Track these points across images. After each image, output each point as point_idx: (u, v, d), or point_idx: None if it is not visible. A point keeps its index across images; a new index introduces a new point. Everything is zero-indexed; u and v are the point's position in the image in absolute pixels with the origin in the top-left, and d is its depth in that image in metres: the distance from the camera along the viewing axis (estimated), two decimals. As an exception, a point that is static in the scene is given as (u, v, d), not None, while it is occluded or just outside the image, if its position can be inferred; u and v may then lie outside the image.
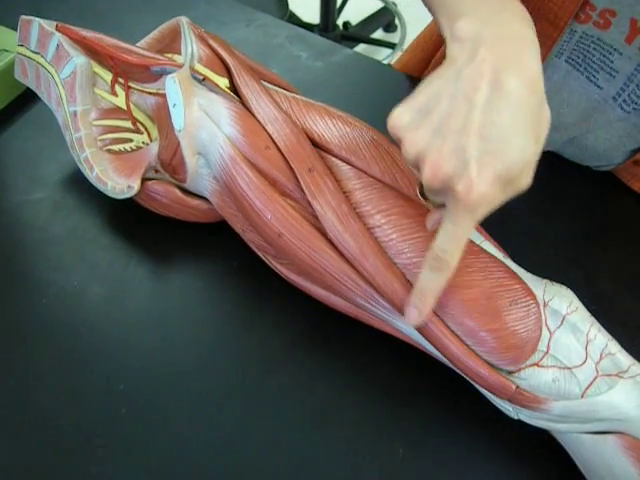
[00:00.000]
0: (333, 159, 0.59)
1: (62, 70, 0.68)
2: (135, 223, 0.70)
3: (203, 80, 0.64)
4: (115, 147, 0.68)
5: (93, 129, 0.68)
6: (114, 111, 0.69)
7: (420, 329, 0.55)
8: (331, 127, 0.60)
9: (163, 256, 0.68)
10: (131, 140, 0.68)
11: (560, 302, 0.53)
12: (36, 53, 0.70)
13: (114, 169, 0.67)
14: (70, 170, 0.75)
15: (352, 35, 2.35)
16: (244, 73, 0.64)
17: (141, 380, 0.61)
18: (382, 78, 0.64)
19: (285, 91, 0.65)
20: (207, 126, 0.62)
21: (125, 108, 0.68)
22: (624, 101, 0.67)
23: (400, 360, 0.62)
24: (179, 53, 0.67)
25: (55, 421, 0.58)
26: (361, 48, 2.41)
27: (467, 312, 0.53)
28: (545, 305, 0.53)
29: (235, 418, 0.59)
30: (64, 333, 0.63)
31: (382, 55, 2.35)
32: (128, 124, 0.68)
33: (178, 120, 0.63)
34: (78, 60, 0.67)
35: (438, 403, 0.60)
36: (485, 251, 0.55)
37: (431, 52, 0.85)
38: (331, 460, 0.57)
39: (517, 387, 0.52)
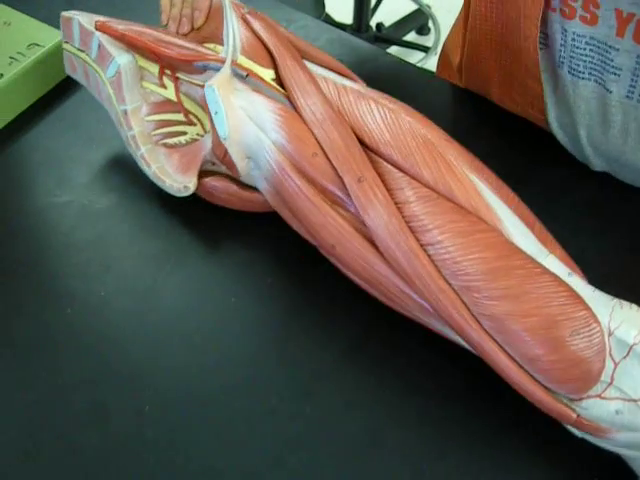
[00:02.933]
0: (385, 164, 0.54)
1: (107, 70, 0.65)
2: (166, 232, 0.67)
3: (247, 76, 0.60)
4: (170, 141, 0.66)
5: (146, 125, 0.66)
6: (165, 104, 0.67)
7: (477, 351, 0.52)
8: (380, 124, 0.56)
9: (195, 269, 0.64)
10: (185, 133, 0.65)
11: (627, 330, 0.49)
12: (81, 51, 0.68)
13: (171, 164, 0.66)
14: (99, 172, 0.71)
15: (385, 37, 2.31)
16: (289, 61, 0.60)
17: (168, 401, 0.57)
18: (424, 86, 0.60)
19: (334, 75, 0.61)
20: (252, 132, 0.58)
21: (176, 100, 0.65)
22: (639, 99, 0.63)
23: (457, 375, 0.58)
24: (222, 43, 0.63)
25: (75, 442, 0.54)
26: (393, 50, 2.37)
27: (525, 342, 0.50)
28: (610, 334, 0.49)
29: (265, 443, 0.55)
30: (88, 346, 0.60)
31: (414, 58, 2.30)
32: (180, 117, 0.66)
33: (221, 128, 0.59)
34: (121, 60, 0.64)
35: (492, 425, 0.56)
36: (547, 272, 0.50)
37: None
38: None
39: (578, 416, 0.49)
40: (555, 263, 0.51)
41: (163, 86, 0.66)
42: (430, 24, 2.40)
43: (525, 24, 0.64)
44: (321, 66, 0.62)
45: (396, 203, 0.53)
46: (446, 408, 0.56)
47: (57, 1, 0.89)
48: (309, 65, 0.61)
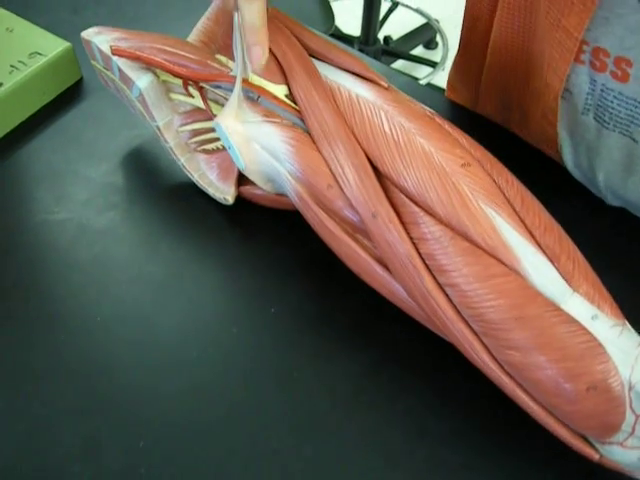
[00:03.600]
0: (400, 195, 0.51)
1: (131, 91, 0.64)
2: (168, 256, 0.64)
3: (259, 98, 0.58)
4: (208, 147, 0.66)
5: (181, 136, 0.66)
6: (195, 112, 0.66)
7: (496, 383, 0.50)
8: (393, 149, 0.52)
9: (196, 295, 0.61)
10: (219, 138, 0.63)
11: None
12: (107, 69, 0.66)
13: (211, 171, 0.66)
14: (99, 189, 0.68)
15: (392, 50, 2.29)
16: (300, 76, 0.57)
17: (164, 436, 0.54)
18: (436, 109, 0.57)
19: (352, 79, 0.58)
20: (268, 162, 0.56)
21: (204, 107, 0.64)
22: None
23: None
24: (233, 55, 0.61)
25: (62, 478, 0.51)
26: (400, 64, 2.35)
27: (541, 392, 0.48)
28: (631, 388, 0.46)
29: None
30: (80, 375, 0.57)
31: (421, 72, 2.28)
32: (212, 124, 0.63)
33: (237, 162, 0.58)
34: (141, 83, 0.62)
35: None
36: (566, 320, 0.47)
37: (475, 77, 0.78)
38: None
39: (601, 456, 0.48)
40: (579, 303, 0.48)
41: (190, 95, 0.65)
42: (438, 38, 2.38)
43: (549, 74, 0.62)
44: (339, 68, 0.59)
45: (412, 239, 0.50)
46: (458, 452, 0.53)
47: (61, 8, 0.87)
48: (324, 69, 0.58)
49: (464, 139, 0.54)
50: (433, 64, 2.29)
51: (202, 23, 0.68)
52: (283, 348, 0.58)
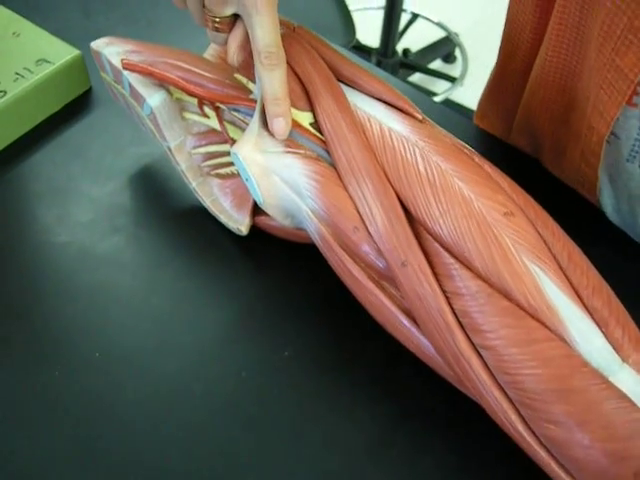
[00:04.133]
0: (434, 243, 0.47)
1: (142, 108, 0.59)
2: (174, 287, 0.59)
3: None
4: (223, 171, 0.61)
5: (194, 158, 0.61)
6: (210, 134, 0.61)
7: (529, 454, 0.46)
8: (428, 192, 0.47)
9: (204, 333, 0.57)
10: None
11: None
12: (117, 83, 0.62)
13: (225, 198, 0.62)
14: (103, 210, 0.64)
15: (410, 63, 2.24)
16: (327, 103, 0.52)
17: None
18: (466, 138, 0.53)
19: (383, 109, 0.53)
20: (288, 198, 0.52)
21: (220, 129, 0.59)
22: None
23: None
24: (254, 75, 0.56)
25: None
26: (417, 77, 2.30)
27: (581, 472, 0.43)
28: None
29: None
30: (75, 417, 0.52)
31: (440, 87, 2.24)
32: (227, 147, 0.60)
33: (255, 195, 0.54)
34: (152, 102, 0.58)
35: None
36: (615, 395, 0.42)
37: (510, 107, 0.73)
38: None
39: None
40: (629, 376, 0.43)
41: (205, 115, 0.60)
42: (457, 52, 2.33)
43: (594, 116, 0.57)
44: (370, 96, 0.54)
45: (445, 292, 0.45)
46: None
47: (72, 11, 0.82)
48: (354, 96, 0.54)
49: (505, 182, 0.49)
50: (451, 79, 2.24)
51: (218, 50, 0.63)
52: (295, 397, 0.54)
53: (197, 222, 0.63)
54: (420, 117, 0.53)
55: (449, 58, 2.39)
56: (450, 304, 0.45)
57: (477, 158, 0.51)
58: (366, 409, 0.53)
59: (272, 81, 0.51)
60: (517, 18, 0.63)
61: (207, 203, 0.62)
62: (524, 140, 0.71)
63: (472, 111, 1.98)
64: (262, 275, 0.60)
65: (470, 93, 2.12)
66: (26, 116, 0.69)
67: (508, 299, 0.44)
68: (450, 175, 0.47)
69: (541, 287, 0.44)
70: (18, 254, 0.61)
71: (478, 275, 0.45)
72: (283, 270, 0.60)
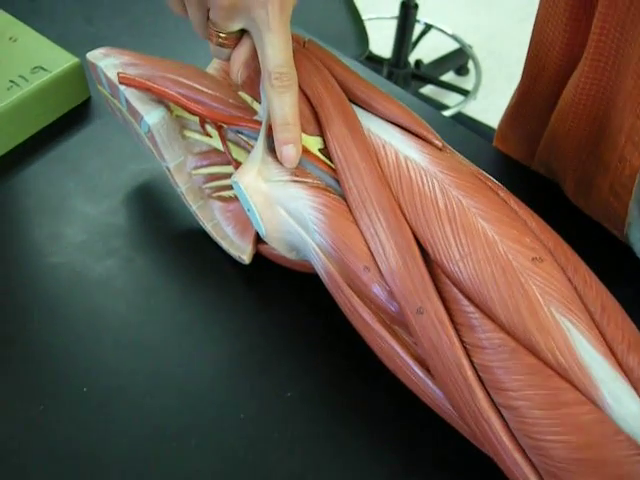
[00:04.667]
0: (454, 289, 0.42)
1: (140, 125, 0.55)
2: (170, 319, 0.55)
3: None
4: (225, 194, 0.57)
5: (194, 179, 0.57)
6: (212, 154, 0.57)
7: None
8: (447, 231, 0.43)
9: (201, 369, 0.53)
10: None
11: None
12: (114, 97, 0.57)
13: (226, 221, 0.58)
14: (99, 230, 0.60)
15: (422, 75, 2.20)
16: (338, 128, 0.48)
17: None
18: (487, 163, 0.49)
19: (399, 135, 0.49)
20: (294, 231, 0.47)
21: (223, 150, 0.55)
22: None
23: None
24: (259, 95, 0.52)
25: None
26: (429, 89, 2.26)
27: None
28: None
29: None
30: (60, 459, 0.48)
31: (452, 100, 2.20)
32: (231, 169, 0.55)
33: (257, 227, 0.50)
34: (150, 120, 0.54)
35: None
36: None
37: (534, 133, 0.68)
38: None
39: None
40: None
41: (207, 135, 0.56)
42: (470, 65, 2.29)
43: (627, 148, 0.53)
44: (386, 119, 0.50)
45: (464, 344, 0.41)
46: None
47: (74, 17, 0.78)
48: (368, 119, 0.50)
49: (534, 221, 0.45)
50: (464, 92, 2.20)
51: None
52: (297, 443, 0.49)
53: (197, 247, 0.59)
54: (440, 145, 0.49)
55: (462, 70, 2.35)
56: (470, 357, 0.41)
57: (502, 192, 0.46)
58: (374, 457, 0.49)
59: (282, 105, 0.47)
60: (545, 37, 0.59)
61: (208, 227, 0.58)
62: (547, 167, 0.67)
63: (484, 125, 1.95)
64: (265, 307, 0.56)
65: (483, 107, 2.08)
66: (19, 127, 0.65)
67: (534, 355, 0.40)
68: (472, 213, 0.43)
69: (572, 343, 0.39)
70: (5, 275, 0.57)
71: (501, 327, 0.41)
72: (288, 302, 0.56)
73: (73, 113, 0.69)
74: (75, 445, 0.48)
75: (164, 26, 0.79)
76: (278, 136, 0.47)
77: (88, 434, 0.49)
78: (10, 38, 0.69)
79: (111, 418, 0.50)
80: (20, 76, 0.66)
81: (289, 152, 0.47)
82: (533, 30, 0.61)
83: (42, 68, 0.66)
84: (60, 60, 0.67)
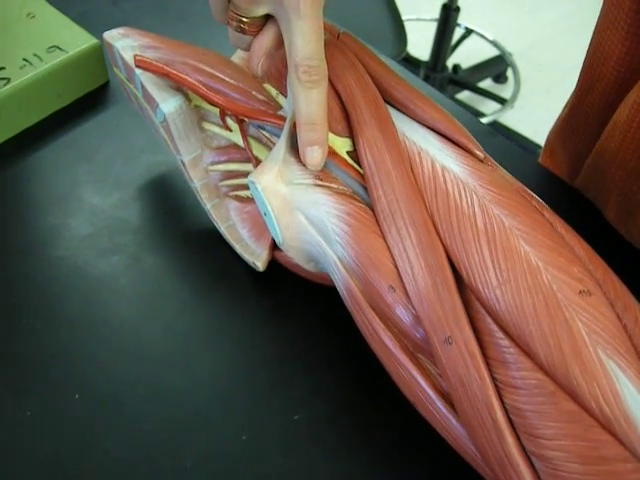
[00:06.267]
0: (487, 318, 0.38)
1: (155, 114, 0.51)
2: (174, 325, 0.51)
3: None
4: (242, 193, 0.53)
5: (210, 176, 0.53)
6: (231, 149, 0.52)
7: None
8: (485, 254, 0.38)
9: (202, 385, 0.49)
10: None
11: None
12: (129, 82, 0.53)
13: (243, 224, 0.54)
14: (106, 224, 0.56)
15: (460, 80, 2.15)
16: (370, 131, 0.44)
17: None
18: (529, 179, 0.45)
19: (438, 143, 0.44)
20: (314, 241, 0.43)
21: (243, 145, 0.51)
22: None
23: None
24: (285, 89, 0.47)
25: None
26: (465, 95, 2.21)
27: None
28: None
29: None
30: (44, 469, 0.44)
31: (488, 107, 2.14)
32: (250, 167, 0.51)
33: (274, 233, 0.45)
34: (166, 108, 0.49)
35: None
36: None
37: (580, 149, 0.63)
38: None
39: None
40: None
41: (227, 128, 0.52)
42: (509, 73, 2.24)
43: None
44: (424, 125, 0.45)
45: (495, 381, 0.37)
46: None
47: (98, -2, 0.74)
48: (404, 123, 0.45)
49: (582, 249, 0.40)
50: (500, 100, 2.14)
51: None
52: (302, 472, 0.45)
53: (209, 249, 0.55)
54: (481, 156, 0.44)
55: (500, 78, 2.29)
56: (501, 397, 0.37)
57: (548, 213, 0.42)
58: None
59: (309, 102, 0.42)
60: (602, 45, 0.54)
61: (222, 229, 0.53)
62: (589, 187, 0.62)
63: (520, 135, 1.89)
64: (278, 319, 0.52)
65: (519, 117, 2.03)
66: (30, 109, 0.61)
67: (575, 401, 0.35)
68: (515, 235, 0.39)
69: (619, 390, 0.35)
70: (3, 265, 0.53)
71: (540, 366, 0.36)
72: (303, 316, 0.52)
73: (89, 97, 0.65)
74: (59, 457, 0.44)
75: (192, 10, 0.75)
76: (302, 136, 0.43)
77: (75, 447, 0.45)
78: (28, 14, 0.65)
79: (101, 430, 0.46)
80: (35, 55, 0.62)
81: (313, 155, 0.43)
82: (592, 37, 0.56)
83: (59, 48, 0.62)
84: (78, 40, 0.63)
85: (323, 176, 0.44)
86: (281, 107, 0.48)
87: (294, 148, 0.44)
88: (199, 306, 0.52)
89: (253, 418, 0.47)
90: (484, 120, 1.99)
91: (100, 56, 0.64)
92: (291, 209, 0.43)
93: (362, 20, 1.30)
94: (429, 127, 0.45)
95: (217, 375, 0.49)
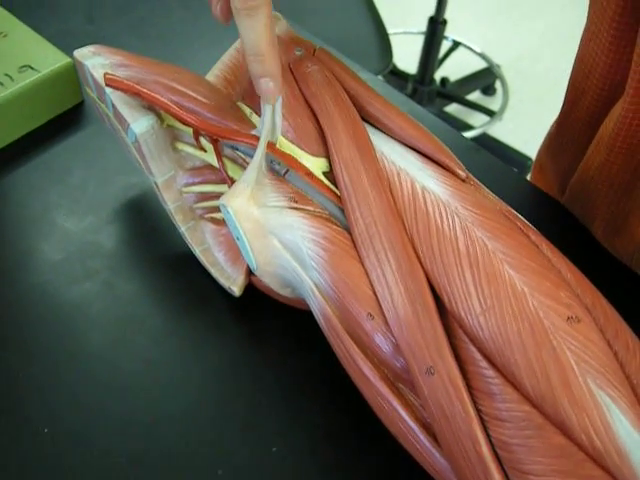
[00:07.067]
0: (471, 348, 0.36)
1: (127, 133, 0.49)
2: (148, 354, 0.49)
3: (287, 172, 0.43)
4: (218, 215, 0.51)
5: (185, 198, 0.51)
6: (206, 170, 0.50)
7: None
8: (468, 279, 0.37)
9: (177, 417, 0.46)
10: None
11: None
12: (100, 100, 0.51)
13: (218, 246, 0.52)
14: (78, 249, 0.54)
15: (448, 93, 2.14)
16: (345, 146, 0.42)
17: None
18: (518, 196, 0.43)
19: (418, 162, 0.43)
20: (289, 267, 0.41)
21: (217, 166, 0.49)
22: None
23: None
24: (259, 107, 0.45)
25: None
26: (453, 108, 2.20)
27: None
28: None
29: None
30: None
31: (477, 120, 2.13)
32: (225, 188, 0.49)
33: (247, 258, 0.43)
34: (137, 128, 0.47)
35: None
36: None
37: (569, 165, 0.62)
38: None
39: None
40: None
41: (201, 148, 0.50)
42: (497, 85, 2.23)
43: None
44: (404, 143, 0.44)
45: (480, 413, 0.35)
46: None
47: (75, 15, 0.73)
48: (382, 142, 0.43)
49: (569, 272, 0.38)
50: (489, 112, 2.13)
51: (229, 55, 0.53)
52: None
53: (184, 274, 0.53)
54: (463, 175, 0.42)
55: (489, 90, 2.28)
56: (486, 430, 0.35)
57: (533, 235, 0.40)
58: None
59: (249, 31, 0.39)
60: (587, 58, 0.52)
61: (197, 252, 0.51)
62: (577, 205, 0.60)
63: (509, 148, 1.88)
64: (256, 346, 0.50)
65: (508, 129, 2.02)
66: (1, 130, 0.59)
67: (564, 435, 0.33)
68: (499, 258, 0.37)
69: (610, 423, 0.33)
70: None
71: (526, 397, 0.34)
72: (281, 342, 0.50)
73: (63, 118, 0.63)
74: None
75: (169, 28, 0.73)
76: (251, 69, 0.40)
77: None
78: (0, 33, 0.63)
79: (70, 465, 0.44)
80: (6, 75, 0.60)
81: (267, 86, 0.40)
82: (577, 51, 0.55)
83: (31, 67, 0.61)
84: (51, 59, 0.61)
85: (298, 198, 0.42)
86: (255, 126, 0.46)
87: (268, 169, 0.43)
88: (173, 335, 0.50)
89: (229, 451, 0.45)
90: (473, 132, 1.98)
91: (74, 75, 0.62)
92: (265, 233, 0.42)
93: (347, 34, 1.29)
94: (409, 146, 0.44)
95: (191, 406, 0.47)
